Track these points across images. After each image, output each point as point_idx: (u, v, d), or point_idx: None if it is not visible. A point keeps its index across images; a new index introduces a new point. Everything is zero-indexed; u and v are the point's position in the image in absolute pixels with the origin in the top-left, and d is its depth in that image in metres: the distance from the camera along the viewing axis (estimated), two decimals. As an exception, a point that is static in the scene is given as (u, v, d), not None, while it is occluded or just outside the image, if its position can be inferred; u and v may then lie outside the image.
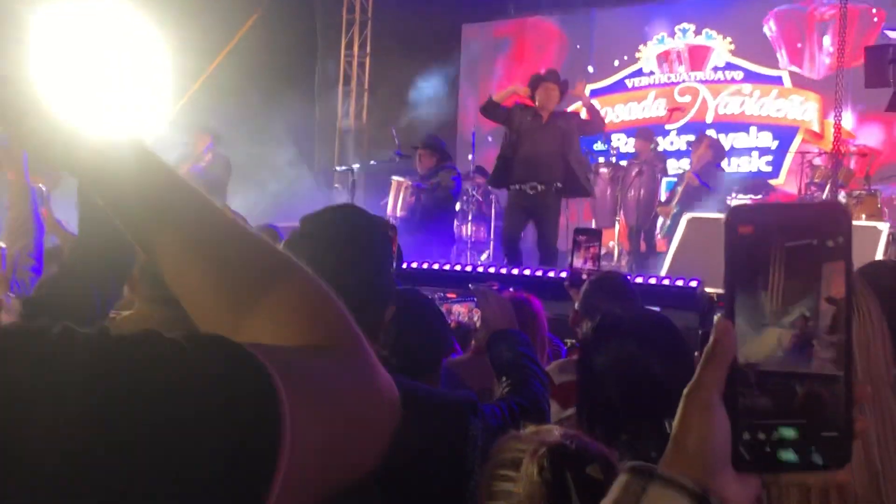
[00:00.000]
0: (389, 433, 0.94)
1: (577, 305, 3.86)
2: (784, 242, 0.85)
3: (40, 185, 7.00)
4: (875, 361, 1.43)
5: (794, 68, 13.00)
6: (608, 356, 2.34)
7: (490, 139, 14.13)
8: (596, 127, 9.26)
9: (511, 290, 4.24)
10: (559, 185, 8.78)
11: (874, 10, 12.04)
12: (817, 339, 0.85)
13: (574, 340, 5.02)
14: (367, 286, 2.03)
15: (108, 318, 2.41)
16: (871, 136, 12.03)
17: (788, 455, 0.85)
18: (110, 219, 2.02)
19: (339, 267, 1.99)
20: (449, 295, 2.97)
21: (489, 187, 11.33)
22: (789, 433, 0.85)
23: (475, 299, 2.85)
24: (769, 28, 13.13)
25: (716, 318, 0.89)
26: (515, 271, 8.13)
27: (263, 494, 0.78)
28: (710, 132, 12.11)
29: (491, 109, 9.09)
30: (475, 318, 2.86)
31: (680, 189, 10.47)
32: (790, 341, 0.85)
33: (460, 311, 2.93)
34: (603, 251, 10.51)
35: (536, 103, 8.90)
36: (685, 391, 0.89)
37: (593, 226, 11.15)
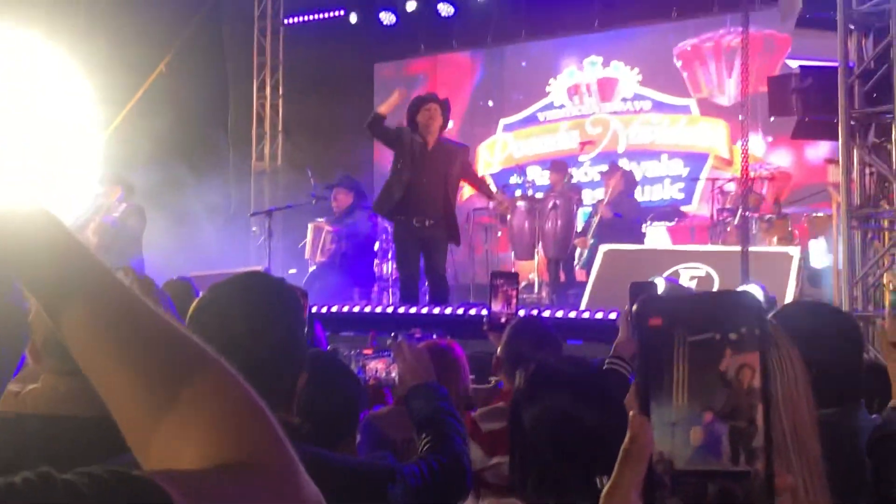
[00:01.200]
0: None
1: (498, 351, 3.85)
2: (688, 336, 0.84)
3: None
4: (799, 412, 1.43)
5: (704, 94, 13.28)
6: (541, 409, 2.31)
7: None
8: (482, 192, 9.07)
9: (434, 336, 4.23)
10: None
11: (778, 36, 12.33)
12: (728, 436, 0.84)
13: (498, 378, 5.01)
14: (279, 355, 1.99)
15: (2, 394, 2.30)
16: (782, 159, 12.34)
17: None
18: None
19: (249, 337, 1.95)
20: (365, 351, 2.93)
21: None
22: None
23: (391, 354, 2.81)
24: (677, 60, 13.41)
25: (630, 414, 0.87)
26: (437, 310, 8.11)
27: None
28: (623, 162, 12.29)
29: (376, 125, 8.48)
30: (392, 374, 2.82)
31: (595, 220, 10.59)
32: (699, 438, 0.84)
33: (377, 368, 2.88)
34: (523, 283, 10.65)
35: (419, 127, 8.40)
36: (604, 492, 0.87)
37: (512, 258, 11.24)
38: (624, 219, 10.35)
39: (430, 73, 15.44)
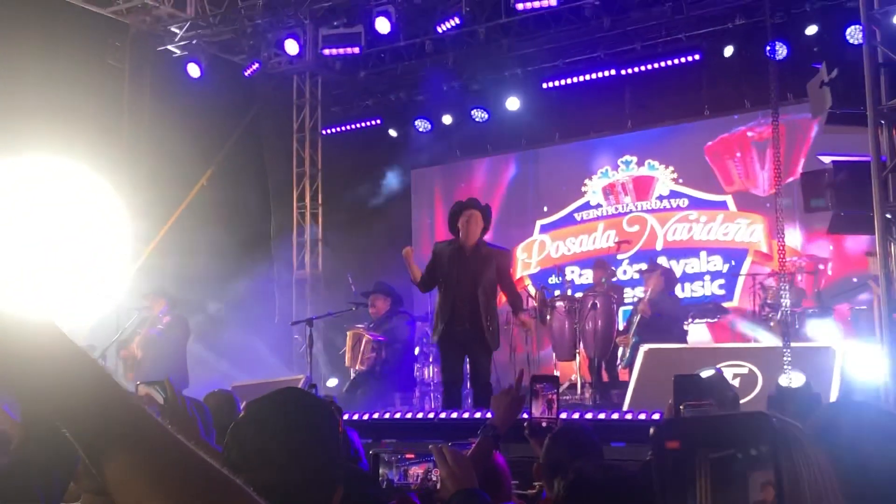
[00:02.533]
0: None
1: (540, 458, 3.82)
2: (708, 454, 0.86)
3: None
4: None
5: (738, 187, 13.29)
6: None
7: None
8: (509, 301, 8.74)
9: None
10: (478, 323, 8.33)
11: (807, 122, 12.34)
12: None
13: (540, 483, 4.95)
14: (314, 470, 2.01)
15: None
16: (821, 250, 12.25)
17: None
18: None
19: (286, 453, 1.98)
20: (407, 456, 2.92)
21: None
22: None
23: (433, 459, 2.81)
24: (710, 159, 13.48)
25: None
26: (478, 415, 8.05)
27: None
28: (661, 259, 12.28)
29: (422, 285, 8.75)
30: (434, 479, 2.82)
31: (636, 319, 10.54)
32: None
33: (418, 473, 2.88)
34: (565, 384, 10.56)
35: (459, 232, 8.46)
36: None
37: (553, 358, 11.18)
38: (664, 317, 10.28)
39: (467, 175, 15.64)
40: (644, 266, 11.64)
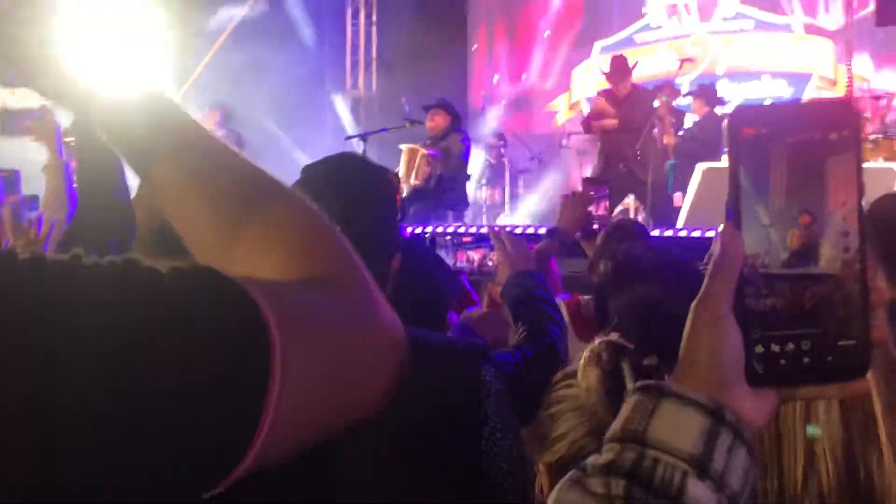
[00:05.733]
0: (392, 371, 0.90)
1: (592, 257, 3.82)
2: (786, 139, 0.81)
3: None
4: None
5: (808, 18, 12.79)
6: (628, 297, 2.27)
7: (504, 103, 14.16)
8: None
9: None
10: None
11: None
12: (825, 239, 0.81)
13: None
14: (372, 234, 1.98)
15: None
16: (889, 80, 11.85)
17: (803, 366, 0.81)
18: (106, 185, 1.96)
19: (342, 214, 1.94)
20: (464, 240, 2.92)
21: (502, 151, 11.47)
22: (803, 343, 0.81)
23: (491, 244, 2.78)
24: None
25: (720, 226, 0.84)
26: (531, 230, 8.07)
27: (253, 431, 0.74)
28: (723, 83, 11.99)
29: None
30: (490, 263, 2.81)
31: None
32: (797, 240, 0.81)
33: (475, 258, 2.88)
34: (619, 208, 10.49)
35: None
36: (693, 304, 0.85)
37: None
38: (709, 139, 10.10)
39: (524, -2, 15.20)
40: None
